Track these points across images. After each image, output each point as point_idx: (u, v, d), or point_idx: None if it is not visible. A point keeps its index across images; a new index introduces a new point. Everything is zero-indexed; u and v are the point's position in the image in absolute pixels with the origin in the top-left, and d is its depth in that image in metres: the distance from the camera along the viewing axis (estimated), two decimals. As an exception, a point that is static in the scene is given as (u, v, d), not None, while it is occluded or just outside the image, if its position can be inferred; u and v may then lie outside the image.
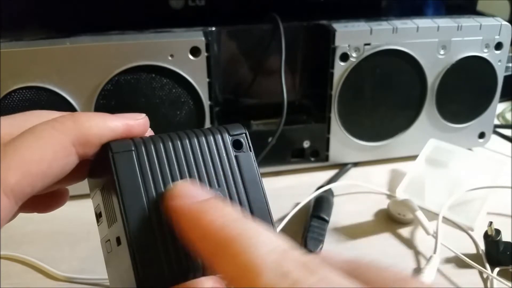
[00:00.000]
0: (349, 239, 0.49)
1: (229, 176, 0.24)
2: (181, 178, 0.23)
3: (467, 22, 0.57)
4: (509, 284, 0.43)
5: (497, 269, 0.44)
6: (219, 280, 0.22)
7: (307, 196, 0.52)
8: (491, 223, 0.44)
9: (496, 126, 0.69)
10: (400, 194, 0.54)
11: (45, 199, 0.26)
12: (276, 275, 0.16)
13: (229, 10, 0.58)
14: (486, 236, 0.45)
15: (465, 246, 0.47)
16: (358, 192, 0.56)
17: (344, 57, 0.55)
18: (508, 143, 0.67)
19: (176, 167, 0.23)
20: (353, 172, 0.61)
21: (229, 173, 0.24)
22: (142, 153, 0.23)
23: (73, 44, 0.48)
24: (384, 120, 0.60)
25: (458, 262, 0.45)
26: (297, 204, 0.51)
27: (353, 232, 0.50)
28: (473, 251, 0.47)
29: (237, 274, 0.17)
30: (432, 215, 0.50)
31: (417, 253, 0.47)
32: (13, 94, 0.47)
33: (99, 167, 0.23)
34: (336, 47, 0.54)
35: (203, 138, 0.24)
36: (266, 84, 0.59)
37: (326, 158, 0.60)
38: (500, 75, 0.60)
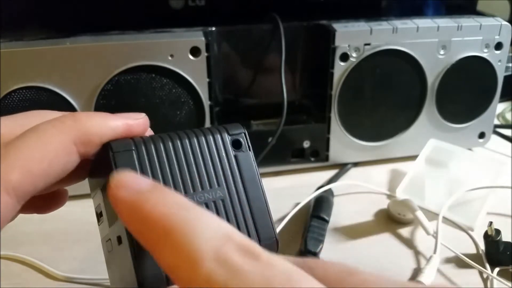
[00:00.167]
0: (349, 239, 0.49)
1: (228, 175, 0.24)
2: (181, 177, 0.23)
3: (467, 22, 0.57)
4: (509, 284, 0.43)
5: (497, 269, 0.44)
6: None
7: (307, 196, 0.52)
8: (491, 223, 0.44)
9: (496, 126, 0.69)
10: (400, 194, 0.54)
11: (44, 200, 0.26)
12: (216, 263, 0.16)
13: (229, 10, 0.58)
14: (486, 236, 0.45)
15: (465, 246, 0.47)
16: (358, 192, 0.56)
17: (344, 57, 0.55)
18: (508, 143, 0.67)
19: (175, 166, 0.23)
20: (353, 172, 0.61)
21: (228, 172, 0.24)
22: (142, 153, 0.23)
23: (73, 44, 0.48)
24: (384, 120, 0.60)
25: (458, 262, 0.45)
26: (297, 204, 0.51)
27: (353, 232, 0.50)
28: (473, 251, 0.47)
29: (177, 264, 0.16)
30: (432, 215, 0.50)
31: (417, 253, 0.47)
32: (13, 94, 0.47)
33: (100, 166, 0.23)
34: (336, 47, 0.54)
35: (203, 138, 0.24)
36: (266, 84, 0.59)
37: (326, 158, 0.61)
38: (500, 75, 0.60)
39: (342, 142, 0.60)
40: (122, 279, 0.23)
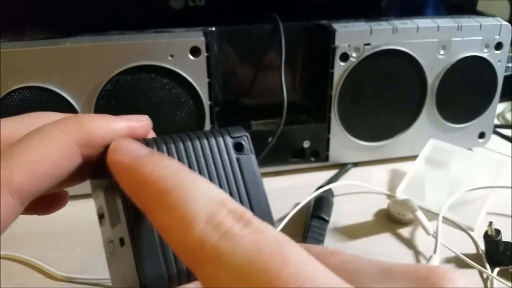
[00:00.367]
0: (349, 239, 0.49)
1: (230, 178, 0.24)
2: None
3: (467, 22, 0.57)
4: (509, 284, 0.43)
5: (497, 269, 0.44)
6: None
7: (307, 196, 0.52)
8: (491, 223, 0.44)
9: (496, 126, 0.69)
10: (400, 194, 0.54)
11: (46, 201, 0.26)
12: (208, 226, 0.16)
13: (229, 10, 0.58)
14: (486, 236, 0.45)
15: (465, 246, 0.48)
16: (358, 192, 0.56)
17: (344, 57, 0.55)
18: (508, 143, 0.67)
19: None
20: (353, 172, 0.61)
21: (230, 175, 0.24)
22: None
23: (73, 44, 0.48)
24: (384, 120, 0.60)
25: (458, 262, 0.45)
26: (297, 204, 0.51)
27: (353, 232, 0.50)
28: (473, 251, 0.47)
29: (171, 226, 0.17)
30: (432, 215, 0.50)
31: (417, 253, 0.47)
32: (13, 94, 0.47)
33: (102, 168, 0.23)
34: (336, 47, 0.54)
35: (205, 140, 0.24)
36: (266, 84, 0.59)
37: (326, 158, 0.61)
38: (500, 75, 0.60)
39: (342, 142, 0.60)
40: (124, 281, 0.23)
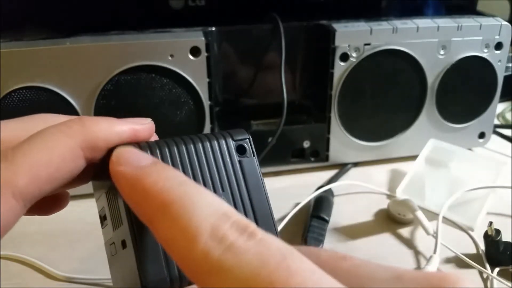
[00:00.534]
0: (349, 239, 0.49)
1: (233, 180, 0.24)
2: None
3: (467, 22, 0.57)
4: (509, 284, 0.43)
5: (497, 269, 0.44)
6: None
7: (307, 196, 0.52)
8: (491, 223, 0.44)
9: (496, 126, 0.69)
10: (400, 194, 0.54)
11: (47, 202, 0.26)
12: (212, 239, 0.16)
13: (229, 10, 0.58)
14: (486, 236, 0.45)
15: (465, 246, 0.48)
16: (358, 192, 0.56)
17: (344, 57, 0.55)
18: (508, 143, 0.67)
19: (181, 171, 0.23)
20: (353, 172, 0.61)
21: (233, 177, 0.24)
22: None
23: (73, 44, 0.48)
24: (384, 120, 0.60)
25: (458, 262, 0.45)
26: (297, 204, 0.51)
27: (353, 232, 0.50)
28: (473, 251, 0.47)
29: (174, 238, 0.17)
30: (432, 215, 0.50)
31: (417, 253, 0.47)
32: (13, 94, 0.47)
33: (105, 170, 0.23)
34: (336, 47, 0.54)
35: (208, 143, 0.24)
36: (266, 84, 0.59)
37: (326, 158, 0.61)
38: (500, 75, 0.60)
39: (342, 142, 0.60)
40: (125, 283, 0.23)
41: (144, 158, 0.20)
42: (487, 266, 0.45)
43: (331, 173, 0.60)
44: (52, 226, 0.49)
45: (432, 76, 0.58)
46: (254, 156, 0.25)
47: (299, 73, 0.60)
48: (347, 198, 0.55)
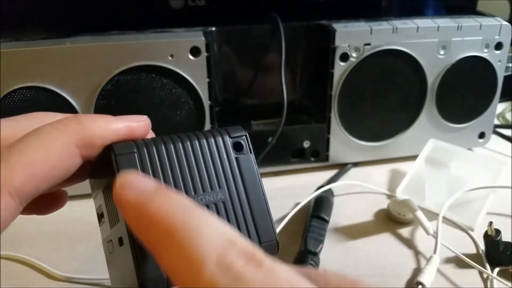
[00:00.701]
0: (349, 239, 0.49)
1: (229, 177, 0.24)
2: (182, 179, 0.23)
3: (467, 22, 0.57)
4: (509, 284, 0.43)
5: (497, 269, 0.44)
6: None
7: (307, 196, 0.52)
8: (491, 223, 0.44)
9: (496, 126, 0.69)
10: (400, 194, 0.54)
11: (45, 201, 0.26)
12: (218, 268, 0.16)
13: (229, 10, 0.58)
14: (486, 236, 0.45)
15: (465, 246, 0.48)
16: (358, 192, 0.56)
17: (344, 57, 0.55)
18: (508, 143, 0.67)
19: (177, 168, 0.23)
20: (353, 172, 0.61)
21: (229, 175, 0.24)
22: (144, 155, 0.23)
23: (73, 44, 0.48)
24: (384, 120, 0.60)
25: (458, 262, 0.45)
26: (297, 204, 0.51)
27: (353, 232, 0.50)
28: (473, 251, 0.47)
29: (180, 267, 0.16)
30: (432, 215, 0.50)
31: (417, 253, 0.47)
32: (13, 94, 0.47)
33: (102, 168, 0.23)
34: (336, 47, 0.54)
35: (204, 140, 0.24)
36: (266, 84, 0.59)
37: (326, 158, 0.61)
38: (500, 75, 0.60)
39: (342, 142, 0.60)
40: (123, 280, 0.23)
41: (147, 183, 0.19)
42: (487, 266, 0.45)
43: (331, 173, 0.60)
44: (52, 226, 0.49)
45: (432, 76, 0.58)
46: (251, 153, 0.25)
47: (299, 73, 0.60)
48: (347, 198, 0.55)
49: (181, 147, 0.24)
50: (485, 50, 0.58)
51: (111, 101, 0.50)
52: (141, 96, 0.51)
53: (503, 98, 0.69)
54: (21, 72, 0.47)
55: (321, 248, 0.45)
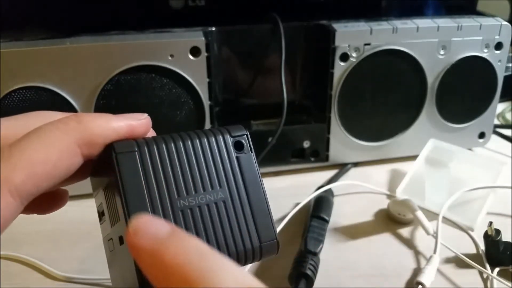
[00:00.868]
0: (349, 239, 0.49)
1: (230, 177, 0.24)
2: (183, 178, 0.23)
3: (467, 22, 0.57)
4: (509, 284, 0.43)
5: (497, 269, 0.44)
6: None
7: (307, 196, 0.52)
8: (491, 223, 0.44)
9: (496, 126, 0.69)
10: (400, 194, 0.54)
11: (45, 200, 0.26)
12: None
13: (229, 10, 0.58)
14: (486, 236, 0.45)
15: (465, 246, 0.48)
16: (358, 192, 0.56)
17: (344, 57, 0.55)
18: (508, 143, 0.67)
19: (178, 167, 0.23)
20: (353, 172, 0.61)
21: (230, 174, 0.24)
22: (145, 154, 0.23)
23: (73, 44, 0.48)
24: (384, 120, 0.60)
25: (458, 262, 0.45)
26: (297, 204, 0.51)
27: (353, 232, 0.50)
28: (473, 251, 0.47)
29: None
30: (432, 215, 0.50)
31: (417, 253, 0.47)
32: (13, 94, 0.47)
33: (102, 167, 0.23)
34: (336, 47, 0.54)
35: (205, 139, 0.24)
36: (266, 84, 0.59)
37: (326, 158, 0.61)
38: (500, 75, 0.60)
39: (342, 142, 0.60)
40: (123, 279, 0.23)
41: (161, 228, 0.19)
42: (487, 266, 0.45)
43: (331, 173, 0.60)
44: (52, 226, 0.49)
45: (432, 76, 0.58)
46: (252, 152, 0.25)
47: (299, 73, 0.60)
48: (347, 198, 0.55)
49: (181, 146, 0.24)
50: (485, 50, 0.58)
51: (111, 101, 0.50)
52: (141, 96, 0.51)
53: (503, 98, 0.69)
54: (21, 72, 0.47)
55: (321, 248, 0.45)
